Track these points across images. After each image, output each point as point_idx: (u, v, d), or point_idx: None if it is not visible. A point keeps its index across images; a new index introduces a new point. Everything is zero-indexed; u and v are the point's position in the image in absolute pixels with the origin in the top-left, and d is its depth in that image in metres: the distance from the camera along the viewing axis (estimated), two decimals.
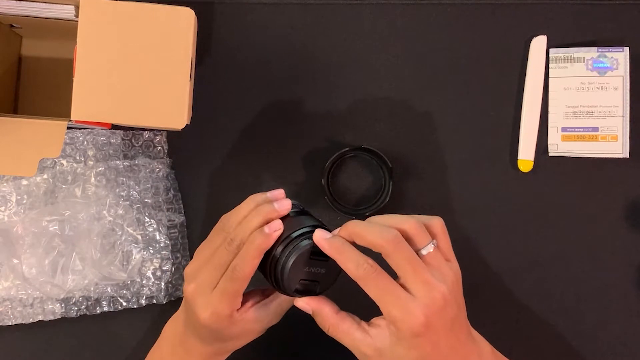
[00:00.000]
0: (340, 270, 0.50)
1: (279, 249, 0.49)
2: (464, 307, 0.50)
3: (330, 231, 0.50)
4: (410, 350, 0.46)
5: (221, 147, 0.69)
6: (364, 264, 0.46)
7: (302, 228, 0.50)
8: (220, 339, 0.53)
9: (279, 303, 0.54)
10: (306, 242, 0.49)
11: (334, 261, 0.48)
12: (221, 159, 0.69)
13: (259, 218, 0.50)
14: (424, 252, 0.47)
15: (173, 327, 0.57)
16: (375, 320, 0.48)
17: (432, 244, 0.48)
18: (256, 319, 0.52)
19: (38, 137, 0.56)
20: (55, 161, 0.67)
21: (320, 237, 0.48)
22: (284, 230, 0.49)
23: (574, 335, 0.68)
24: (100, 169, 0.67)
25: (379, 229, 0.47)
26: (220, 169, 0.69)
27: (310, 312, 0.50)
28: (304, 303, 0.50)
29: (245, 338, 0.54)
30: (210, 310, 0.50)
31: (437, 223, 0.50)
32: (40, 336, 0.67)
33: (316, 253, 0.49)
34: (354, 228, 0.48)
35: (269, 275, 0.51)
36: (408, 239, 0.47)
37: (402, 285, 0.46)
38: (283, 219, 0.50)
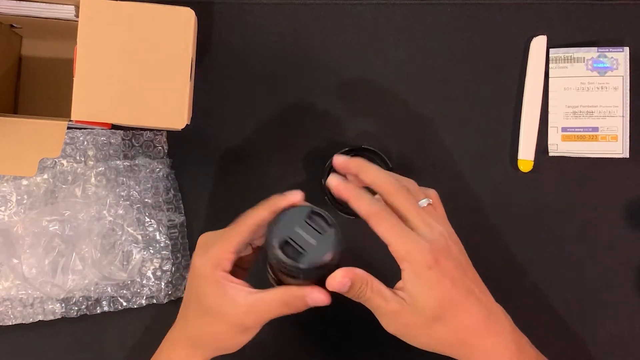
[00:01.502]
0: (329, 249, 0.48)
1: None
2: (469, 262, 0.52)
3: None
4: (428, 286, 0.47)
5: (221, 147, 0.69)
6: (375, 203, 0.48)
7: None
8: (203, 309, 0.51)
9: (264, 301, 0.51)
10: (307, 205, 0.50)
11: (328, 236, 0.48)
12: (221, 158, 0.69)
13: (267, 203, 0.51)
14: (420, 203, 0.50)
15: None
16: (397, 283, 0.49)
17: (427, 201, 0.51)
18: (240, 298, 0.50)
19: (38, 137, 0.56)
20: (55, 161, 0.67)
21: (336, 181, 0.49)
22: None
23: (573, 335, 0.68)
24: (100, 169, 0.67)
25: (385, 173, 0.50)
26: (220, 169, 0.69)
27: (347, 287, 0.48)
28: (342, 277, 0.47)
29: (227, 327, 0.51)
30: (204, 257, 0.51)
31: (432, 193, 0.53)
32: (40, 336, 0.67)
33: (314, 219, 0.49)
34: (362, 164, 0.51)
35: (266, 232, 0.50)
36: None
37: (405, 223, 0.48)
38: None
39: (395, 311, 0.47)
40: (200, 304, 0.52)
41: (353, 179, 0.52)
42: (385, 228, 0.47)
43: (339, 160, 0.52)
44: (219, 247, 0.51)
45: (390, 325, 0.49)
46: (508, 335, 0.50)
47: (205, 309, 0.51)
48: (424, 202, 0.50)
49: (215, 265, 0.50)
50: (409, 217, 0.48)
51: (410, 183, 0.51)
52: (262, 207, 0.51)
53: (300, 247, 0.48)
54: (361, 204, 0.48)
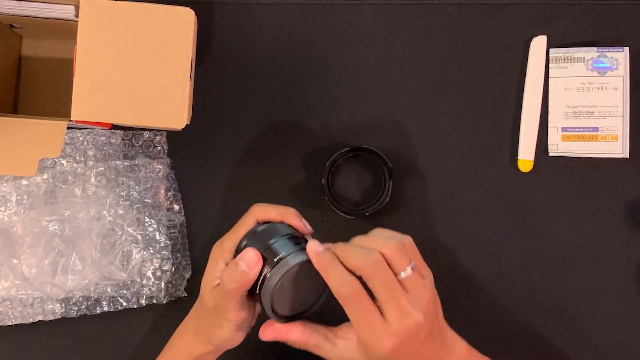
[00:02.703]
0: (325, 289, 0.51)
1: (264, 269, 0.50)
2: (440, 314, 0.51)
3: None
4: None
5: (221, 147, 0.69)
6: (347, 285, 0.47)
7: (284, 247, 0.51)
8: (210, 311, 0.54)
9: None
10: (291, 260, 0.49)
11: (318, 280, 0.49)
12: (221, 159, 0.69)
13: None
14: (403, 275, 0.48)
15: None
16: (344, 327, 0.50)
17: (410, 267, 0.48)
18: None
19: (38, 137, 0.56)
20: (55, 161, 0.67)
21: (312, 249, 0.49)
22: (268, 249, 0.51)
23: (573, 335, 0.68)
24: (100, 169, 0.67)
25: (360, 253, 0.47)
26: (220, 169, 0.69)
27: (279, 340, 0.51)
28: (264, 336, 0.51)
29: (223, 322, 0.53)
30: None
31: (407, 242, 0.50)
32: (40, 336, 0.67)
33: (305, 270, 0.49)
34: (336, 249, 0.49)
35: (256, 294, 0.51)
36: (388, 262, 0.48)
37: (380, 307, 0.47)
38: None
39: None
40: (206, 306, 0.54)
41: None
42: (352, 312, 0.47)
43: (309, 247, 0.49)
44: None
45: None
46: None
47: (212, 312, 0.54)
48: (407, 272, 0.48)
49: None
50: (384, 302, 0.47)
51: (393, 250, 0.48)
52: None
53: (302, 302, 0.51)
54: (331, 282, 0.47)
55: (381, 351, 0.46)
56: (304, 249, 0.50)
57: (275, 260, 0.50)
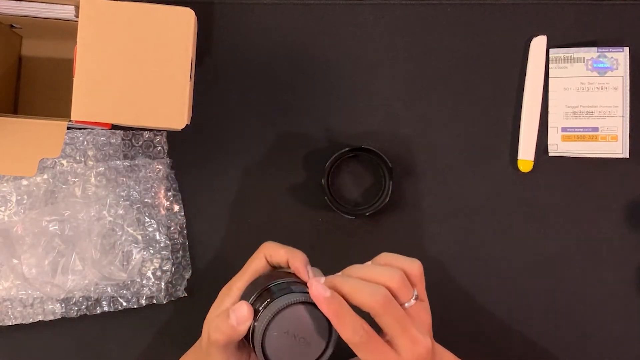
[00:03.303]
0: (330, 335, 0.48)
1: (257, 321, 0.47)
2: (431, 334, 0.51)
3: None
4: None
5: (221, 147, 0.69)
6: (359, 330, 0.45)
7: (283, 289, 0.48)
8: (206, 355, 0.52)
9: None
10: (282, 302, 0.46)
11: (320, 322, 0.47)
12: (221, 159, 0.69)
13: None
14: (407, 305, 0.48)
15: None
16: None
17: (414, 298, 0.48)
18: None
19: (38, 137, 0.56)
20: (55, 161, 0.67)
21: (319, 292, 0.45)
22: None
23: (573, 335, 0.68)
24: (100, 169, 0.67)
25: (369, 290, 0.46)
26: (220, 169, 0.69)
27: None
28: None
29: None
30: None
31: (416, 267, 0.49)
32: (40, 336, 0.67)
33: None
34: (342, 287, 0.47)
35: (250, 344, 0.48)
36: (394, 294, 0.47)
37: (390, 340, 0.47)
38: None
39: None
40: (202, 344, 0.53)
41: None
42: (365, 356, 0.46)
43: (314, 291, 0.46)
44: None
45: None
46: None
47: (205, 353, 0.52)
48: (412, 302, 0.48)
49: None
50: (395, 336, 0.46)
51: (397, 282, 0.47)
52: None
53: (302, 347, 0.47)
54: (346, 330, 0.45)
55: None
56: (299, 292, 0.47)
57: (264, 304, 0.47)
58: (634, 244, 0.69)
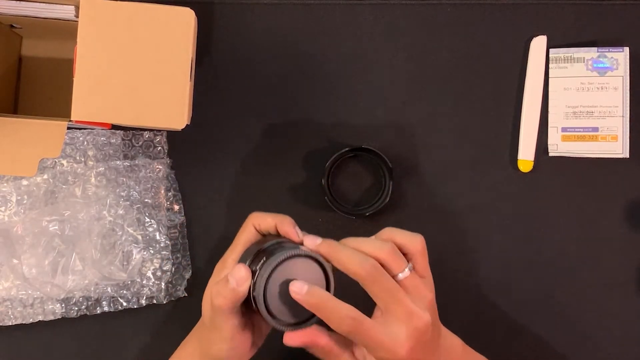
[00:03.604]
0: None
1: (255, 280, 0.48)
2: (437, 313, 0.51)
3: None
4: None
5: (221, 147, 0.69)
6: (346, 319, 0.46)
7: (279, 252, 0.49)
8: (210, 326, 0.53)
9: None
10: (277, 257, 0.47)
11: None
12: (221, 159, 0.69)
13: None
14: (400, 276, 0.48)
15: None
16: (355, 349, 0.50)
17: (408, 268, 0.48)
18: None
19: (38, 137, 0.56)
20: (55, 161, 0.67)
21: (297, 289, 0.46)
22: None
23: (573, 335, 0.68)
24: (100, 169, 0.67)
25: (359, 259, 0.47)
26: (220, 169, 0.69)
27: (304, 346, 0.49)
28: (297, 342, 0.48)
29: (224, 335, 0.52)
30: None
31: (418, 241, 0.50)
32: (40, 336, 0.67)
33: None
34: (335, 253, 0.48)
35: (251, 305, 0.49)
36: (384, 265, 0.48)
37: (384, 316, 0.47)
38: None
39: None
40: (204, 320, 0.54)
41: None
42: (358, 340, 0.47)
43: (308, 243, 0.49)
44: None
45: None
46: None
47: (209, 327, 0.53)
48: (405, 273, 0.48)
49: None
50: (389, 308, 0.47)
51: (388, 253, 0.48)
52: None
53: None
54: (330, 320, 0.46)
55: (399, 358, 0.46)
56: (293, 247, 0.48)
57: (260, 264, 0.48)
58: (634, 244, 0.69)
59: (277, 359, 0.66)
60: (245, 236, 0.54)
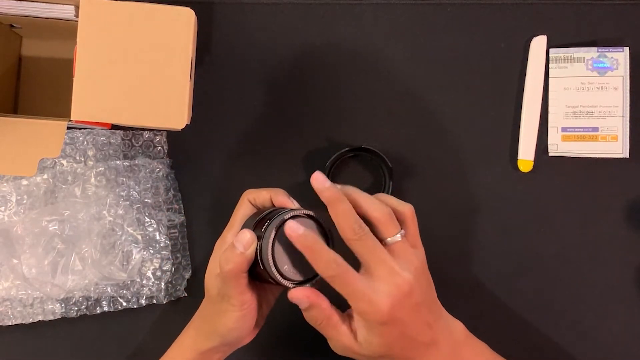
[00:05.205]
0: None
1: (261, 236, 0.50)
2: (433, 290, 0.52)
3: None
4: (380, 337, 0.48)
5: (221, 147, 0.69)
6: (332, 264, 0.47)
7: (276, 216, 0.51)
8: (217, 298, 0.53)
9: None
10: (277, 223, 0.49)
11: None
12: (221, 159, 0.69)
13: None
14: (389, 241, 0.49)
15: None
16: (350, 311, 0.50)
17: (400, 234, 0.50)
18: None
19: (38, 137, 0.56)
20: (55, 161, 0.67)
21: (292, 230, 0.48)
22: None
23: (573, 335, 0.68)
24: (100, 169, 0.67)
25: (350, 218, 0.48)
26: (220, 169, 0.69)
27: (304, 305, 0.50)
28: (301, 294, 0.49)
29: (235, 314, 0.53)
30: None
31: (408, 210, 0.52)
32: (40, 336, 0.67)
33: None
34: (333, 203, 0.49)
35: (259, 266, 0.51)
36: (377, 225, 0.49)
37: (367, 273, 0.48)
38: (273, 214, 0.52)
39: (345, 344, 0.50)
40: (210, 296, 0.55)
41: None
42: (342, 289, 0.48)
43: (316, 180, 0.50)
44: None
45: (338, 349, 0.51)
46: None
47: (216, 300, 0.54)
48: (395, 238, 0.50)
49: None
50: (371, 266, 0.48)
51: (383, 215, 0.50)
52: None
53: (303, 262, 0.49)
54: (318, 264, 0.48)
55: (379, 316, 0.47)
56: (293, 210, 0.51)
57: (264, 227, 0.50)
58: (634, 244, 0.69)
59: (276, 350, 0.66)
60: (242, 211, 0.56)
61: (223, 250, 0.52)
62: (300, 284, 0.50)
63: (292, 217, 0.49)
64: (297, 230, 0.47)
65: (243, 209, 0.56)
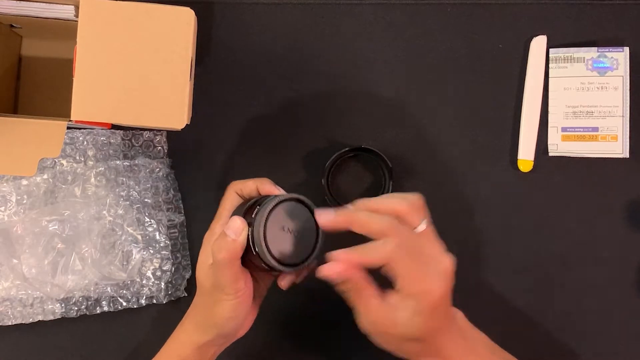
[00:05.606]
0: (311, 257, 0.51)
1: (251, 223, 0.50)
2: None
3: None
4: (426, 321, 0.48)
5: (221, 147, 0.69)
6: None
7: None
8: (211, 289, 0.53)
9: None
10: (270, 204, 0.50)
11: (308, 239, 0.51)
12: (221, 159, 0.69)
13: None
14: (418, 229, 0.50)
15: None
16: (388, 292, 0.49)
17: (425, 221, 0.50)
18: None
19: (38, 137, 0.56)
20: (55, 161, 0.67)
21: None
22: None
23: (573, 335, 0.68)
24: (100, 169, 0.67)
25: (378, 219, 0.48)
26: (220, 169, 0.69)
27: (340, 279, 0.49)
28: (329, 271, 0.48)
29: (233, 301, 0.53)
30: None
31: (417, 198, 0.52)
32: (40, 336, 0.67)
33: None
34: (357, 217, 0.49)
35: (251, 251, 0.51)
36: (403, 217, 0.49)
37: (415, 258, 0.48)
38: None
39: (376, 320, 0.49)
40: (203, 288, 0.55)
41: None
42: (401, 269, 0.47)
43: (324, 219, 0.50)
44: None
45: (365, 325, 0.50)
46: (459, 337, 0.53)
47: (209, 291, 0.54)
48: (422, 226, 0.50)
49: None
50: (415, 252, 0.48)
51: (405, 208, 0.50)
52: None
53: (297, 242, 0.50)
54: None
55: (433, 301, 0.47)
56: (279, 196, 0.51)
57: (254, 213, 0.50)
58: (634, 244, 0.69)
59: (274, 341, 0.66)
60: (229, 203, 0.56)
61: (214, 240, 0.52)
62: (293, 267, 0.51)
63: (281, 202, 0.50)
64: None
65: (230, 200, 0.56)
